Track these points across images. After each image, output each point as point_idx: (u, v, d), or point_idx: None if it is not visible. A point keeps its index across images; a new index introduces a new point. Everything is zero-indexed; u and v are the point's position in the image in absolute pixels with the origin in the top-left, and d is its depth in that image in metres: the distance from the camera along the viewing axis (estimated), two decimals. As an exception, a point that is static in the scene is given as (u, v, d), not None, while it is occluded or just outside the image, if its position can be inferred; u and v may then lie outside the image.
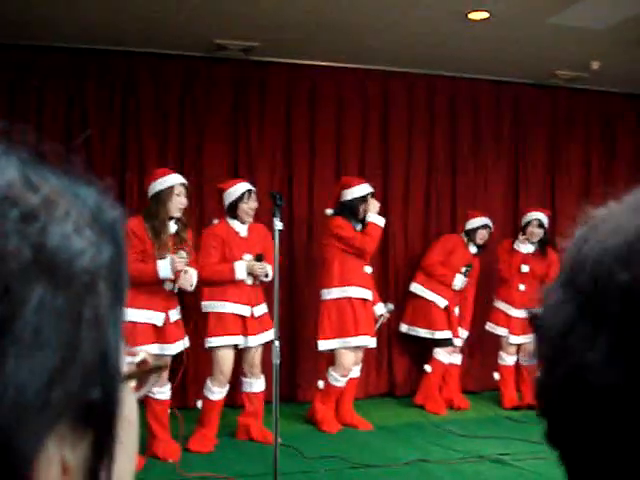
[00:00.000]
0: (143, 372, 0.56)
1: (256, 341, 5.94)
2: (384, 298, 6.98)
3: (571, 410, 0.55)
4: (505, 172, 8.21)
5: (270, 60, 7.38)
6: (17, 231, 0.40)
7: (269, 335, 5.94)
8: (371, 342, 6.54)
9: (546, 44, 6.84)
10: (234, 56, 7.20)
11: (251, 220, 6.06)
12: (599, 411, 0.52)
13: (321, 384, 6.48)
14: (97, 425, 0.46)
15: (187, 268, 5.48)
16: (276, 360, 4.72)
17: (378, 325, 6.63)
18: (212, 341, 5.85)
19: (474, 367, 7.72)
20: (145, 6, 5.97)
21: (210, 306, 5.89)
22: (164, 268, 5.37)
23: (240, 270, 5.82)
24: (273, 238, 4.85)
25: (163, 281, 5.46)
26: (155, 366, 0.58)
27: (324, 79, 7.61)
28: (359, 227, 6.49)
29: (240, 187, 6.01)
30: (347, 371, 6.46)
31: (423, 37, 6.71)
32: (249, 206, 5.98)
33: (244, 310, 5.88)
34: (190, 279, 5.53)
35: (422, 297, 7.18)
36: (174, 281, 5.50)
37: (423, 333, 7.19)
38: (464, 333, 7.33)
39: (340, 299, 6.38)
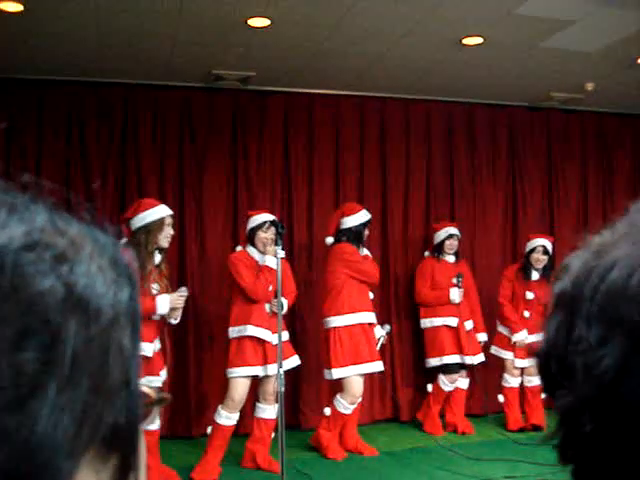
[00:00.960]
0: (146, 404, 0.58)
1: (274, 369, 5.93)
2: (385, 321, 7.00)
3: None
4: (503, 194, 8.25)
5: (267, 89, 7.45)
6: (52, 271, 0.44)
7: (290, 363, 6.02)
8: (374, 367, 6.54)
9: (540, 67, 6.92)
10: (231, 86, 7.26)
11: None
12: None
13: (327, 411, 6.46)
14: (122, 447, 0.49)
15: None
16: (281, 388, 4.74)
17: (378, 347, 6.62)
18: (232, 372, 5.91)
19: (478, 390, 7.70)
20: (142, 39, 6.03)
21: (235, 331, 5.96)
22: (163, 305, 5.39)
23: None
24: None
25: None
26: (159, 399, 0.60)
27: (321, 106, 7.67)
28: (363, 252, 6.56)
29: (261, 217, 6.08)
30: (356, 399, 6.44)
31: (419, 63, 6.78)
32: (266, 236, 6.02)
33: (265, 334, 5.91)
34: (179, 315, 5.60)
35: (433, 327, 7.18)
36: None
37: (433, 362, 7.19)
38: (483, 336, 7.31)
39: (351, 326, 6.40)
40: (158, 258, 5.59)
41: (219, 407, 5.97)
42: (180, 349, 6.84)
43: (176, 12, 5.49)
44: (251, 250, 6.09)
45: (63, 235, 0.47)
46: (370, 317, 6.53)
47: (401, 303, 7.66)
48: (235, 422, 5.99)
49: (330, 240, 6.59)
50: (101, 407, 0.46)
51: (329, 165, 7.69)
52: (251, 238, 6.11)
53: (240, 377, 5.91)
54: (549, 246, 7.26)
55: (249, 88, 7.36)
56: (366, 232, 6.60)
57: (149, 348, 5.43)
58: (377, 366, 6.47)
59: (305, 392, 7.32)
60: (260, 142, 7.50)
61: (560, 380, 0.61)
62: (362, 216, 6.57)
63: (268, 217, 6.07)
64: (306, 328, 7.34)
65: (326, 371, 6.45)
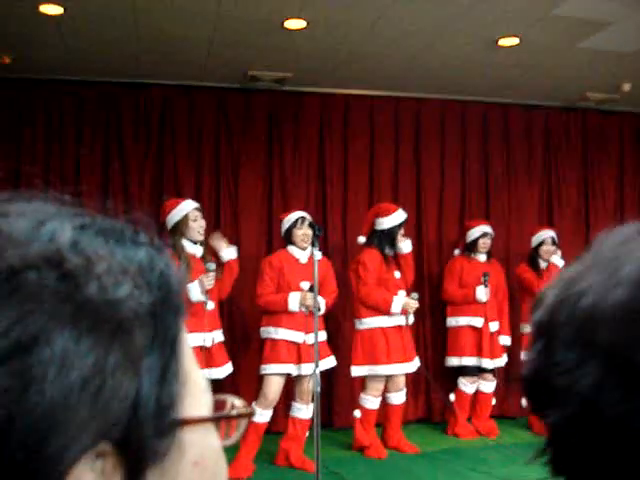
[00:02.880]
0: (227, 418, 0.59)
1: (309, 369, 5.92)
2: (421, 324, 7.01)
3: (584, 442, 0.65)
4: (538, 194, 8.21)
5: (303, 90, 7.49)
6: (54, 291, 0.47)
7: (326, 363, 6.08)
8: (408, 368, 6.53)
9: (576, 68, 6.88)
10: (268, 87, 7.32)
11: (308, 246, 6.17)
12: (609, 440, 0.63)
13: (357, 413, 6.52)
14: (126, 466, 0.50)
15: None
16: (317, 388, 4.77)
17: (409, 316, 6.54)
18: (265, 368, 5.98)
19: (511, 393, 7.66)
20: (179, 41, 6.11)
21: (266, 332, 6.05)
22: (194, 290, 5.48)
23: (293, 302, 5.94)
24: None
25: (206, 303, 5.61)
26: (241, 413, 0.60)
27: (357, 107, 7.69)
28: (393, 253, 6.57)
29: (294, 215, 6.18)
30: (378, 391, 6.49)
31: (454, 64, 6.78)
32: (303, 232, 6.10)
33: (297, 337, 5.97)
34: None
35: (457, 326, 7.17)
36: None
37: (452, 362, 7.19)
38: (506, 339, 7.27)
39: (372, 329, 6.43)
40: (200, 251, 5.69)
41: (253, 404, 6.03)
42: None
43: (213, 14, 5.55)
44: (292, 249, 6.17)
45: (79, 253, 0.49)
46: (397, 320, 6.47)
47: (435, 303, 7.65)
48: (268, 419, 6.04)
49: (362, 240, 6.62)
50: (97, 411, 0.47)
51: (364, 165, 7.71)
52: (288, 237, 6.18)
53: (274, 374, 5.97)
54: (556, 237, 7.27)
55: (285, 89, 7.41)
56: (401, 232, 6.58)
57: (205, 339, 5.58)
58: (399, 368, 6.46)
59: (339, 392, 7.35)
60: (295, 142, 7.54)
61: (546, 401, 0.68)
62: (396, 217, 6.54)
63: (300, 214, 6.17)
64: (340, 328, 7.37)
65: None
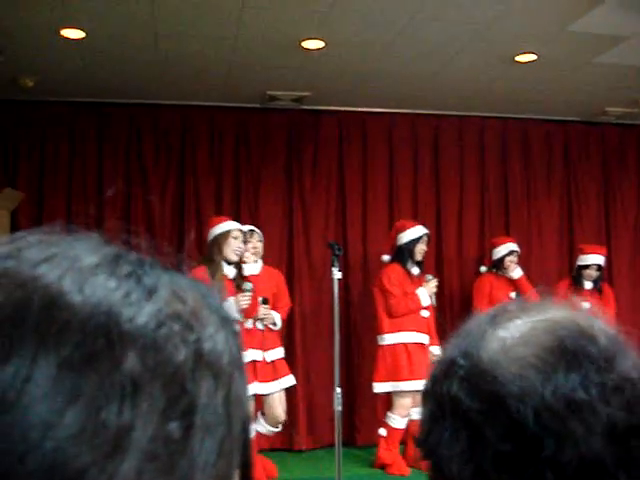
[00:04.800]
0: None
1: (268, 389, 5.87)
2: (440, 339, 6.97)
3: None
4: (558, 210, 8.18)
5: (322, 108, 7.54)
6: (183, 343, 0.48)
7: (285, 382, 5.98)
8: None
9: (594, 82, 6.88)
10: (286, 106, 7.38)
11: (260, 260, 6.18)
12: None
13: (383, 431, 6.49)
14: None
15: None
16: (338, 407, 4.77)
17: (433, 300, 6.60)
18: None
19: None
20: (199, 62, 6.18)
21: None
22: (230, 308, 5.45)
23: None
24: (332, 287, 4.91)
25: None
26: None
27: (375, 124, 7.72)
28: (415, 271, 6.60)
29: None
30: (406, 410, 6.45)
31: (472, 81, 6.80)
32: (252, 245, 6.09)
33: (255, 355, 5.80)
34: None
35: None
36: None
37: None
38: None
39: (394, 345, 6.44)
40: (233, 272, 5.69)
41: None
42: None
43: (232, 36, 5.62)
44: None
45: (184, 303, 0.51)
46: (420, 337, 6.49)
47: (456, 320, 7.61)
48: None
49: (386, 258, 6.67)
50: (228, 451, 0.50)
51: (383, 182, 7.74)
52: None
53: None
54: (603, 263, 7.22)
55: (303, 107, 7.46)
56: (420, 247, 6.60)
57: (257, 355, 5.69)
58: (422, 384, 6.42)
59: (360, 409, 7.34)
60: (314, 160, 7.59)
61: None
62: (414, 232, 6.60)
63: (246, 227, 6.11)
64: (361, 345, 7.38)
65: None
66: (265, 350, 5.89)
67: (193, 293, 0.53)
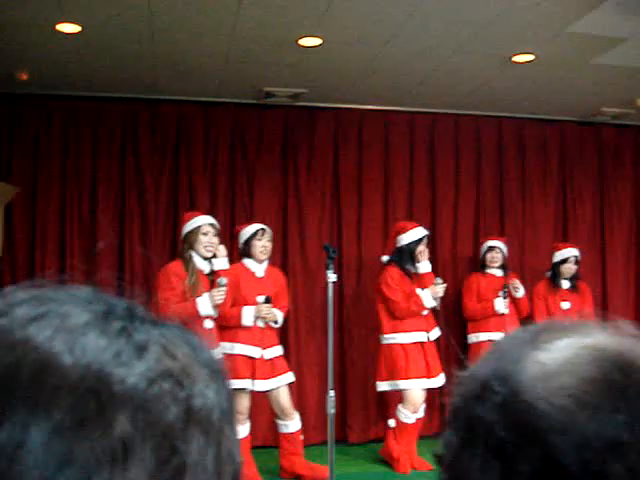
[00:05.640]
0: None
1: (265, 386, 5.92)
2: (438, 340, 7.01)
3: None
4: (553, 210, 8.18)
5: (318, 105, 7.52)
6: (174, 401, 0.48)
7: (284, 379, 6.02)
8: (428, 384, 6.53)
9: (591, 83, 6.88)
10: (282, 102, 7.35)
11: (266, 260, 6.17)
12: None
13: (392, 422, 6.55)
14: None
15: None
16: (331, 410, 4.77)
17: (437, 300, 6.61)
18: None
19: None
20: (195, 57, 6.15)
21: (221, 348, 5.91)
22: (203, 304, 5.48)
23: (247, 316, 5.86)
24: (326, 289, 4.91)
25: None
26: None
27: (371, 122, 7.71)
28: (422, 269, 6.64)
29: (253, 227, 6.16)
30: (416, 407, 6.49)
31: (468, 79, 6.80)
32: (262, 244, 6.09)
33: (253, 351, 5.87)
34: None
35: (477, 342, 7.16)
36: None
37: None
38: None
39: (393, 345, 6.49)
40: (207, 268, 5.69)
41: None
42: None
43: (229, 32, 5.59)
44: (248, 262, 6.12)
45: (174, 359, 0.51)
46: (418, 336, 6.54)
47: (450, 319, 7.63)
48: (248, 432, 5.92)
49: (385, 259, 6.70)
50: None
51: (378, 180, 7.72)
52: (246, 249, 6.13)
53: (236, 390, 5.87)
54: (579, 255, 7.28)
55: (299, 104, 7.44)
56: (420, 248, 6.61)
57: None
58: (420, 383, 6.46)
59: (353, 407, 7.35)
60: (310, 158, 7.57)
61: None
62: (415, 234, 6.63)
63: (258, 226, 6.17)
64: (353, 344, 7.38)
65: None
66: (264, 348, 5.92)
67: (183, 347, 0.52)
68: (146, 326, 0.52)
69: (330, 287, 4.89)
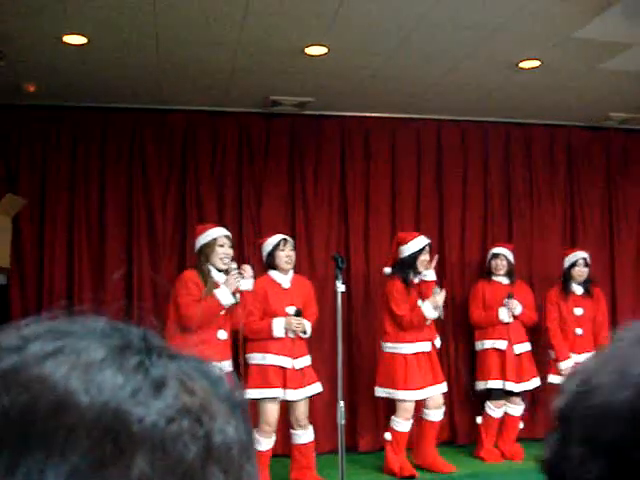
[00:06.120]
0: None
1: (297, 395, 5.95)
2: (445, 348, 6.99)
3: None
4: (561, 216, 8.16)
5: (324, 114, 7.52)
6: (193, 439, 0.47)
7: (313, 389, 6.05)
8: (429, 392, 6.52)
9: (598, 88, 6.87)
10: (289, 111, 7.36)
11: (291, 270, 6.18)
12: None
13: (388, 436, 6.54)
14: None
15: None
16: (341, 421, 4.76)
17: (440, 310, 6.61)
18: (252, 393, 5.83)
19: (539, 415, 7.56)
20: (202, 67, 6.16)
21: (252, 358, 5.96)
22: (223, 294, 5.54)
23: (277, 328, 5.90)
24: (335, 299, 4.91)
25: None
26: None
27: (378, 130, 7.70)
28: (431, 277, 6.62)
29: (275, 238, 6.17)
30: (409, 413, 6.49)
31: (475, 86, 6.79)
32: (286, 254, 6.10)
33: (285, 362, 5.92)
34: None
35: (483, 350, 7.14)
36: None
37: (480, 386, 7.16)
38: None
39: (393, 354, 6.50)
40: (222, 279, 5.70)
41: (254, 433, 5.94)
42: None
43: (235, 41, 5.60)
44: (273, 273, 6.14)
45: (193, 394, 0.49)
46: (420, 347, 6.54)
47: (458, 327, 7.63)
48: (272, 445, 5.98)
49: (387, 271, 6.68)
50: None
51: (385, 188, 7.71)
52: (270, 261, 6.15)
53: (267, 400, 5.88)
54: (588, 258, 7.21)
55: (306, 113, 7.44)
56: (422, 258, 6.57)
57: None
58: (415, 395, 6.46)
59: (363, 415, 7.33)
60: (317, 166, 7.57)
61: None
62: (417, 243, 6.59)
63: (281, 236, 6.18)
64: (362, 352, 7.37)
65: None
66: (295, 358, 5.97)
67: (201, 381, 0.51)
68: (163, 360, 0.51)
69: (339, 297, 4.88)
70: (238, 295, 5.61)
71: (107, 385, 0.46)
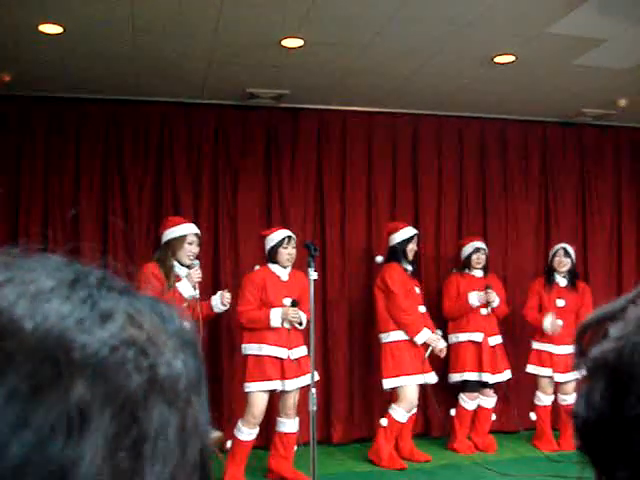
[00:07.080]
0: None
1: (293, 385, 6.03)
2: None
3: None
4: (535, 210, 8.23)
5: (301, 106, 7.53)
6: (136, 369, 0.47)
7: (307, 379, 6.06)
8: (424, 379, 6.65)
9: (572, 84, 6.93)
10: (265, 104, 7.36)
11: (290, 265, 6.25)
12: None
13: (384, 421, 6.59)
14: None
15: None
16: (313, 407, 4.80)
17: (427, 355, 6.68)
18: (250, 386, 5.95)
19: (510, 407, 7.64)
20: (177, 58, 6.15)
21: (249, 348, 6.03)
22: (184, 287, 5.62)
23: (275, 318, 5.98)
24: (308, 287, 4.95)
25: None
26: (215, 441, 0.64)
27: (354, 123, 7.73)
28: (410, 268, 6.81)
29: (280, 233, 6.23)
30: (412, 406, 6.61)
31: (451, 81, 6.83)
32: (288, 251, 6.17)
33: (281, 352, 5.99)
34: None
35: (458, 343, 7.19)
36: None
37: (454, 378, 7.22)
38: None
39: (398, 341, 6.61)
40: (185, 273, 5.75)
41: (239, 422, 6.03)
42: (212, 363, 6.95)
43: (212, 33, 5.60)
44: (274, 267, 6.21)
45: (140, 328, 0.49)
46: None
47: (433, 320, 7.66)
48: (255, 436, 6.05)
49: (379, 259, 6.87)
50: None
51: (362, 181, 7.75)
52: (272, 255, 6.23)
53: (259, 391, 5.97)
54: (570, 249, 7.27)
55: (282, 106, 7.45)
56: (410, 247, 6.79)
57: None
58: (426, 378, 6.63)
59: (337, 406, 7.36)
60: (293, 159, 7.58)
61: (613, 454, 0.61)
62: (404, 233, 6.81)
63: (286, 233, 6.24)
64: (337, 343, 7.39)
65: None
66: (291, 348, 6.04)
67: (151, 317, 0.51)
68: (114, 294, 0.51)
69: (312, 285, 4.91)
70: (197, 290, 5.67)
71: (52, 313, 0.46)
